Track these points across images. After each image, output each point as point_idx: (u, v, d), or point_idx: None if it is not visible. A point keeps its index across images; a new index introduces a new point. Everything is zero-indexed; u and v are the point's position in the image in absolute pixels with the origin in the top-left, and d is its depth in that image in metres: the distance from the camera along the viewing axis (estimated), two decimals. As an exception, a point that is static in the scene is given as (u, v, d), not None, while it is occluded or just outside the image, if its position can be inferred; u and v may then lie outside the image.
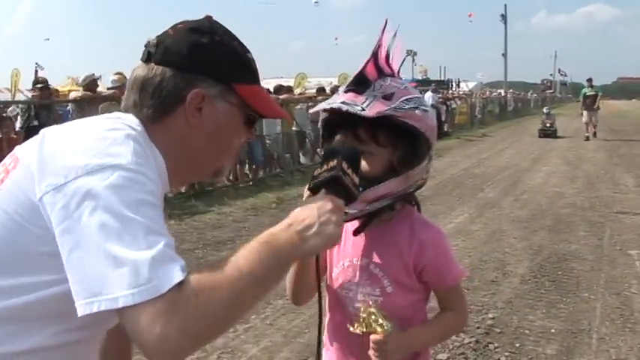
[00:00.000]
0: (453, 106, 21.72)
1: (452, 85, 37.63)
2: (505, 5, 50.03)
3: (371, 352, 1.38)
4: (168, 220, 6.59)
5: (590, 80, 19.22)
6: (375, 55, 1.37)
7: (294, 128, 11.38)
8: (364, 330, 1.38)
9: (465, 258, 5.56)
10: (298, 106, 11.83)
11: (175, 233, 6.13)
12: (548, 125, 19.69)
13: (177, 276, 0.87)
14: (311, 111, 10.78)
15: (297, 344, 3.73)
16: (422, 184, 1.45)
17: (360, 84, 1.36)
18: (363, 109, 1.31)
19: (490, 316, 4.18)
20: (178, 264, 0.89)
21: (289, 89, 12.55)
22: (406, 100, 1.35)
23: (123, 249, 0.86)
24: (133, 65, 1.16)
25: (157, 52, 1.11)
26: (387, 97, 1.33)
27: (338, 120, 1.40)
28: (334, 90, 11.72)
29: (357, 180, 1.19)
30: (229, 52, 1.14)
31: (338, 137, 1.42)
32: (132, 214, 0.89)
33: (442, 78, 43.97)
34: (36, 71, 24.31)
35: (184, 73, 1.09)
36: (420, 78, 34.89)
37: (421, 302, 1.51)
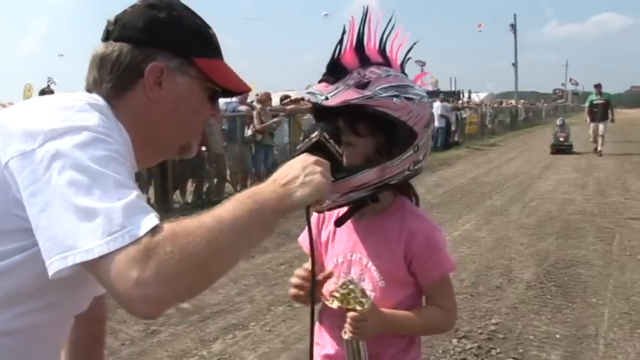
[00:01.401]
0: (464, 115, 21.61)
1: (463, 96, 37.52)
2: (514, 15, 50.06)
3: (347, 328, 1.33)
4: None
5: (598, 86, 16.28)
6: (357, 44, 1.32)
7: (301, 138, 11.36)
8: (340, 305, 1.34)
9: (470, 264, 5.47)
10: (306, 117, 11.82)
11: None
12: (561, 139, 16.37)
13: (152, 222, 0.85)
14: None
15: (295, 350, 3.66)
16: (410, 176, 1.39)
17: (332, 73, 1.31)
18: (327, 99, 1.27)
19: (493, 321, 4.08)
20: (152, 213, 0.87)
21: (296, 100, 12.54)
22: (384, 88, 1.29)
23: (95, 201, 0.84)
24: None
25: (114, 29, 1.11)
26: (362, 86, 1.28)
27: (322, 112, 1.36)
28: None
29: (340, 150, 1.21)
30: (188, 27, 1.13)
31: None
32: (101, 169, 0.88)
33: (453, 89, 43.89)
34: (47, 86, 24.62)
35: (142, 47, 1.09)
36: (431, 89, 34.75)
37: (416, 297, 1.45)
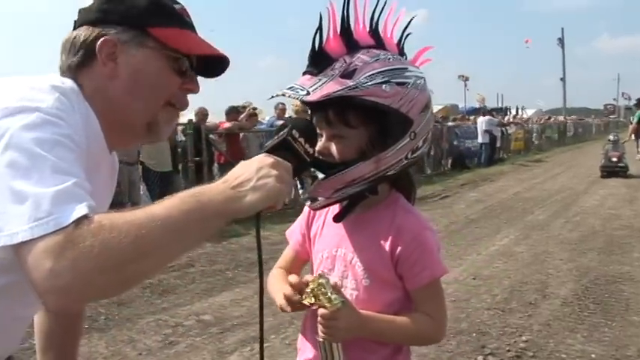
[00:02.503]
0: (510, 131, 21.07)
1: (509, 113, 36.66)
2: (562, 29, 48.80)
3: (319, 327, 1.23)
4: (205, 243, 6.59)
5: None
6: (343, 28, 1.22)
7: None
8: (312, 302, 1.23)
9: (504, 280, 5.24)
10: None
11: (208, 255, 6.14)
12: (614, 160, 13.36)
13: (80, 212, 0.81)
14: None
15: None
16: (408, 165, 1.29)
17: (316, 64, 1.22)
18: (308, 93, 1.18)
19: (524, 338, 3.85)
20: (85, 202, 0.83)
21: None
22: (371, 75, 1.20)
23: (28, 185, 0.82)
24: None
25: (78, 17, 1.13)
26: (347, 75, 1.19)
27: (313, 104, 1.27)
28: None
29: (310, 150, 1.13)
30: (142, 0, 1.11)
31: (314, 120, 1.31)
32: (43, 152, 0.85)
33: (500, 105, 42.98)
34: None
35: (96, 25, 1.09)
36: (478, 106, 34.07)
37: (406, 301, 1.33)
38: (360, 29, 1.25)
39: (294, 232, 1.51)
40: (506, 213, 9.03)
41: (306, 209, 1.47)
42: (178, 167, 8.58)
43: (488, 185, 12.79)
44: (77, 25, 1.12)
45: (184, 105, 1.19)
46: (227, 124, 9.13)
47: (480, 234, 7.30)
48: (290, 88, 1.22)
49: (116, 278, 0.83)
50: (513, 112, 34.76)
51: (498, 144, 18.65)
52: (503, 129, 19.89)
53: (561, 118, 37.26)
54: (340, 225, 1.36)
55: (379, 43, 1.27)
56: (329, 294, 1.20)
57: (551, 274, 5.42)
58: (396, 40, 1.31)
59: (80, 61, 1.08)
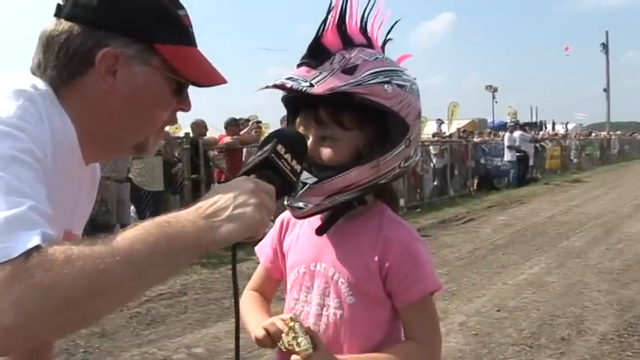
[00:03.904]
0: (545, 148, 20.99)
1: (545, 128, 36.50)
2: (606, 32, 48.48)
3: None
4: (201, 268, 6.62)
5: None
6: (339, 22, 1.27)
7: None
8: (286, 347, 1.23)
9: (533, 312, 5.21)
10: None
11: (203, 282, 6.16)
12: None
13: (32, 242, 0.80)
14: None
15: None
16: (399, 175, 1.32)
17: (314, 56, 1.25)
18: (312, 85, 1.21)
19: (553, 378, 3.82)
20: (38, 230, 0.82)
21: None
22: (373, 73, 1.24)
23: None
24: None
25: (66, 4, 1.07)
26: (348, 71, 1.23)
27: (299, 99, 1.30)
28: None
29: (297, 167, 1.11)
30: (151, 6, 1.08)
31: (298, 120, 1.33)
32: None
33: (534, 120, 42.80)
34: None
35: (94, 29, 1.05)
36: (509, 121, 33.92)
37: (395, 322, 1.33)
38: (353, 26, 1.30)
39: (263, 247, 1.50)
40: (538, 238, 8.98)
41: (278, 220, 1.47)
42: (177, 185, 8.59)
43: (519, 208, 12.70)
44: (64, 16, 1.06)
45: (174, 123, 1.20)
46: (228, 139, 9.15)
47: (507, 261, 7.26)
48: (289, 78, 1.23)
49: (68, 317, 0.82)
50: (549, 127, 34.64)
51: (531, 162, 18.59)
52: (537, 145, 19.84)
53: (604, 133, 37.07)
54: (319, 237, 1.36)
55: (369, 42, 1.32)
56: (299, 339, 1.21)
57: (587, 307, 5.37)
58: (380, 42, 1.36)
59: (72, 70, 1.05)
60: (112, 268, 0.82)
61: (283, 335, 1.23)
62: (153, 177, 7.94)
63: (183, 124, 9.65)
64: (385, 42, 1.37)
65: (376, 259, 1.30)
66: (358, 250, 1.33)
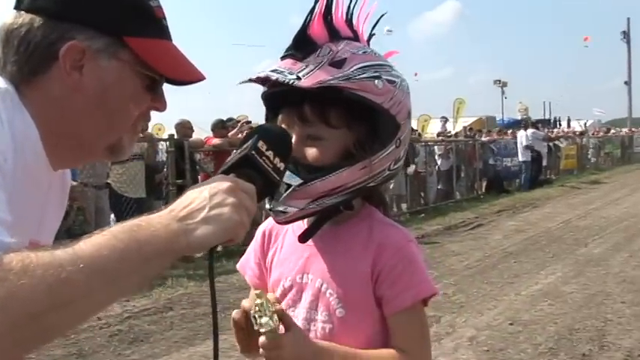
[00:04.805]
0: (559, 147, 21.07)
1: (559, 125, 36.71)
2: (628, 19, 48.58)
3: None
4: (188, 281, 6.60)
5: None
6: (325, 12, 1.27)
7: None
8: (257, 328, 1.19)
9: (549, 325, 5.22)
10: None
11: (190, 296, 6.15)
12: None
13: None
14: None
15: None
16: (389, 177, 1.34)
17: (300, 47, 1.26)
18: (299, 78, 1.21)
19: (573, 398, 3.80)
20: None
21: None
22: (362, 67, 1.25)
23: None
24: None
25: None
26: (336, 64, 1.23)
27: (281, 95, 1.30)
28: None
29: (281, 165, 1.11)
30: None
31: (280, 118, 1.33)
32: None
33: (547, 116, 43.07)
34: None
35: (57, 21, 1.04)
36: (519, 118, 34.11)
37: (387, 334, 1.31)
38: (339, 17, 1.31)
39: (245, 263, 1.49)
40: (554, 245, 9.03)
41: (259, 232, 1.47)
42: (161, 191, 8.60)
43: (531, 212, 12.78)
44: (24, 7, 1.06)
45: (147, 121, 1.20)
46: (216, 141, 9.18)
47: (520, 270, 7.29)
48: (274, 70, 1.23)
49: (29, 331, 0.80)
50: (564, 123, 34.81)
51: (544, 162, 18.65)
52: (551, 144, 19.89)
53: (625, 130, 37.22)
54: (304, 246, 1.35)
55: (355, 35, 1.33)
56: (263, 318, 1.17)
57: (610, 320, 5.39)
58: (365, 36, 1.36)
59: (33, 66, 1.04)
60: (76, 277, 0.81)
61: (251, 312, 1.19)
62: (134, 182, 7.94)
63: (167, 125, 9.65)
64: (370, 36, 1.38)
65: (366, 263, 1.30)
66: (347, 255, 1.32)
